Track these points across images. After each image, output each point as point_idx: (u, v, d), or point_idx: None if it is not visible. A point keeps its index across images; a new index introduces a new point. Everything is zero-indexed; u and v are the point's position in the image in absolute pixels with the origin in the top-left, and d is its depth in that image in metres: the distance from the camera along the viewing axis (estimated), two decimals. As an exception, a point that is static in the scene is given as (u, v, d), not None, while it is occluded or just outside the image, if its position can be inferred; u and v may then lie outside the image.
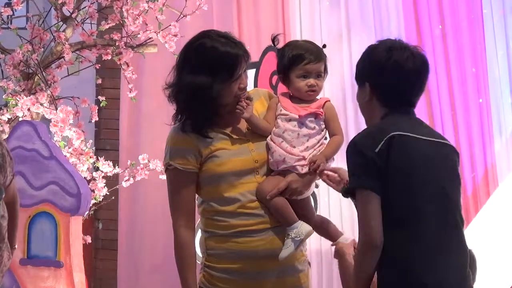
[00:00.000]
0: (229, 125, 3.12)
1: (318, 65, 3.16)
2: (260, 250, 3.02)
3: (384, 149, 2.73)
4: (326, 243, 5.71)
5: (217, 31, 3.14)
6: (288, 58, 3.16)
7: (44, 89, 5.11)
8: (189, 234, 3.09)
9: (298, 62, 3.14)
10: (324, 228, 3.25)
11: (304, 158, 3.08)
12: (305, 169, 3.09)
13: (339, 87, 5.96)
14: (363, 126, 5.84)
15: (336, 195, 5.95)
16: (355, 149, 2.79)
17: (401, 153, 2.75)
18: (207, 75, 3.00)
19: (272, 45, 3.27)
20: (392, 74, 2.85)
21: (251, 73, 5.47)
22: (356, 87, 6.27)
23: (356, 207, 2.83)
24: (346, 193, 2.91)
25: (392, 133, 2.75)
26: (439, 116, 5.87)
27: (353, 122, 5.93)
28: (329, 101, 3.20)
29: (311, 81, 3.14)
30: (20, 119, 5.03)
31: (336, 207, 5.93)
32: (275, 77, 5.22)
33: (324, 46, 3.26)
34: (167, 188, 3.16)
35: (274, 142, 3.10)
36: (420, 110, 5.87)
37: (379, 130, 2.81)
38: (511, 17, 5.97)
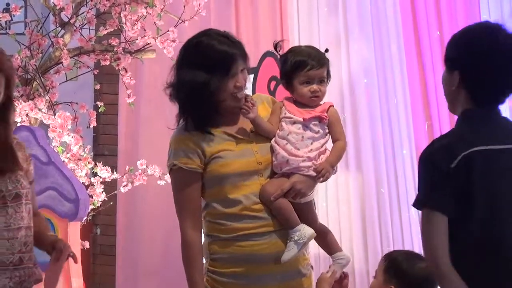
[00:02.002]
0: (233, 126, 3.14)
1: (320, 71, 3.17)
2: (264, 254, 3.03)
3: (462, 166, 2.47)
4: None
5: (217, 30, 3.17)
6: (290, 65, 3.19)
7: (43, 94, 5.11)
8: (196, 234, 3.09)
9: (301, 68, 3.17)
10: (322, 238, 3.26)
11: (308, 158, 3.09)
12: (311, 171, 3.09)
13: (337, 93, 5.96)
14: (362, 131, 5.91)
15: (335, 201, 5.96)
16: (429, 161, 2.54)
17: (482, 175, 2.49)
18: (204, 71, 3.02)
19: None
20: (490, 66, 2.58)
21: (249, 78, 5.47)
22: (354, 93, 6.30)
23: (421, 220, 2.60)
24: (414, 206, 2.62)
25: (472, 149, 2.49)
26: (437, 121, 5.86)
27: (351, 128, 5.93)
28: (333, 106, 3.23)
29: (314, 87, 3.17)
30: (18, 124, 5.02)
31: (334, 213, 5.93)
32: (273, 82, 5.23)
33: (327, 50, 3.28)
34: (172, 189, 3.14)
35: (278, 144, 3.11)
36: (419, 115, 5.90)
37: (458, 141, 2.54)
38: (509, 23, 5.97)
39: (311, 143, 3.12)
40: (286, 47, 3.45)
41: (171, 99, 3.13)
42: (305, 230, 3.06)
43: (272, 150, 3.13)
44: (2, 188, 3.10)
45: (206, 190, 3.11)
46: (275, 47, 3.27)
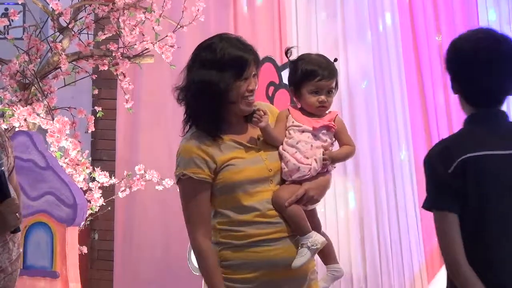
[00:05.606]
0: (241, 134, 3.13)
1: (330, 82, 3.19)
2: (278, 259, 3.03)
3: (459, 172, 2.52)
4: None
5: (230, 34, 3.17)
6: (301, 73, 3.19)
7: (41, 99, 5.11)
8: (209, 243, 3.06)
9: (311, 78, 3.17)
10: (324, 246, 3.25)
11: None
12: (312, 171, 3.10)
13: (335, 98, 5.91)
14: (360, 136, 5.91)
15: (333, 206, 5.95)
16: (430, 165, 2.61)
17: (476, 181, 2.53)
18: (216, 69, 3.01)
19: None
20: (475, 70, 2.61)
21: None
22: (352, 98, 6.31)
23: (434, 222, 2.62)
24: (423, 207, 2.67)
25: (466, 155, 2.52)
26: (435, 126, 5.87)
27: (349, 133, 5.93)
28: (338, 114, 3.25)
29: (322, 97, 3.18)
30: (17, 129, 5.03)
31: (332, 218, 5.93)
32: (271, 88, 5.23)
33: (336, 60, 3.28)
34: (181, 199, 3.10)
35: (287, 153, 3.11)
36: (416, 121, 5.91)
37: (455, 146, 2.59)
38: (507, 29, 5.99)
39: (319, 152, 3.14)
40: (283, 53, 3.44)
41: (179, 101, 3.11)
42: (317, 237, 3.07)
43: (280, 157, 3.14)
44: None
45: (217, 198, 3.09)
46: (286, 53, 3.27)
